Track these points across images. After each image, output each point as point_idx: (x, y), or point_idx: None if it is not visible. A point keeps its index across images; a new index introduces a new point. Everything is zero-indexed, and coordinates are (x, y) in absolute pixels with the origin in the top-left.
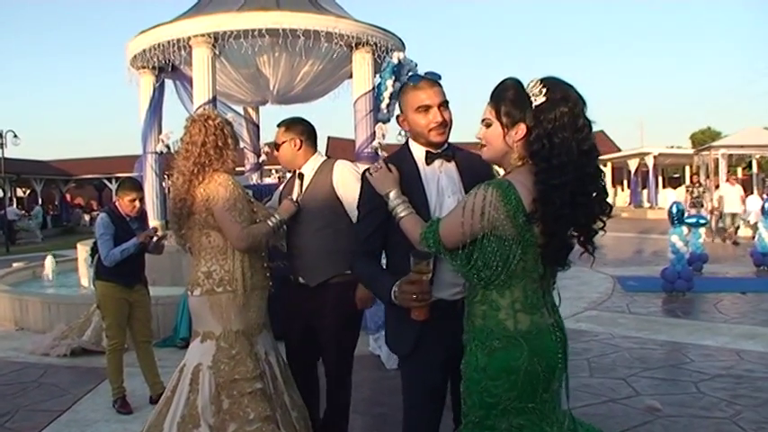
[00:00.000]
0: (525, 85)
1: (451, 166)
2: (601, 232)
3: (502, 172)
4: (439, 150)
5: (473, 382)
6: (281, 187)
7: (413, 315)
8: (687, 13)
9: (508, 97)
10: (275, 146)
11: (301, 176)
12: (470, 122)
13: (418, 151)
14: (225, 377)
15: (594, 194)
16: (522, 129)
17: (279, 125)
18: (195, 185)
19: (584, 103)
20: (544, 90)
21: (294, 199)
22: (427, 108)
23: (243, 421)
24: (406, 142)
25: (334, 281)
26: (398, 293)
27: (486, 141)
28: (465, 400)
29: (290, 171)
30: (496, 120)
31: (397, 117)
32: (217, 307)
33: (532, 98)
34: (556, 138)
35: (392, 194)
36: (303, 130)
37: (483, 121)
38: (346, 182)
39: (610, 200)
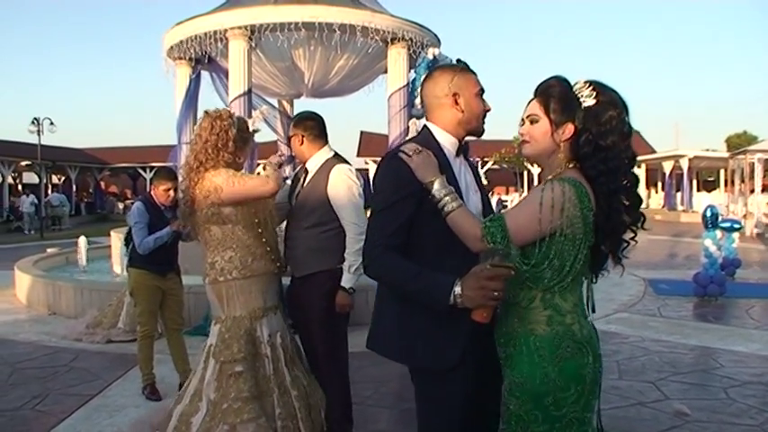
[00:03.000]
0: (572, 86)
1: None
2: (632, 242)
3: None
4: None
5: (536, 395)
6: (291, 175)
7: (477, 317)
8: (725, 15)
9: (557, 95)
10: (288, 139)
11: (306, 172)
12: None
13: (447, 141)
14: (219, 358)
15: (629, 203)
16: (570, 129)
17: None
18: (194, 184)
19: (627, 108)
20: (594, 92)
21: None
22: (482, 94)
23: (228, 399)
24: (427, 130)
25: (320, 274)
26: (470, 291)
27: (531, 138)
28: (513, 416)
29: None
30: (545, 116)
31: (454, 96)
32: (220, 294)
33: (582, 99)
34: (606, 141)
35: (438, 183)
36: (307, 125)
37: (528, 117)
38: (338, 190)
39: (643, 202)
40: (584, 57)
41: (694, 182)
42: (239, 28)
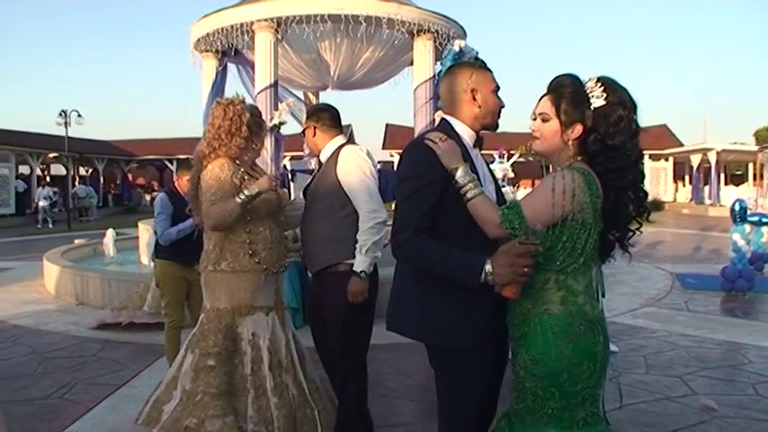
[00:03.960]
0: (583, 83)
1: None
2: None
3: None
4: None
5: (552, 372)
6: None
7: (507, 292)
8: (755, 7)
9: (568, 95)
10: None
11: (320, 164)
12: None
13: (465, 133)
14: (195, 349)
15: (635, 197)
16: (579, 129)
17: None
18: (201, 170)
19: (636, 107)
20: (604, 93)
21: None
22: (497, 91)
23: (199, 391)
24: (446, 123)
25: (337, 269)
26: (501, 268)
27: (542, 135)
28: (529, 393)
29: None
30: (555, 116)
31: (472, 92)
32: (207, 284)
33: (592, 99)
34: (614, 141)
35: (461, 170)
36: (319, 117)
37: (540, 114)
38: (347, 169)
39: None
40: (610, 48)
41: (722, 175)
42: (266, 20)
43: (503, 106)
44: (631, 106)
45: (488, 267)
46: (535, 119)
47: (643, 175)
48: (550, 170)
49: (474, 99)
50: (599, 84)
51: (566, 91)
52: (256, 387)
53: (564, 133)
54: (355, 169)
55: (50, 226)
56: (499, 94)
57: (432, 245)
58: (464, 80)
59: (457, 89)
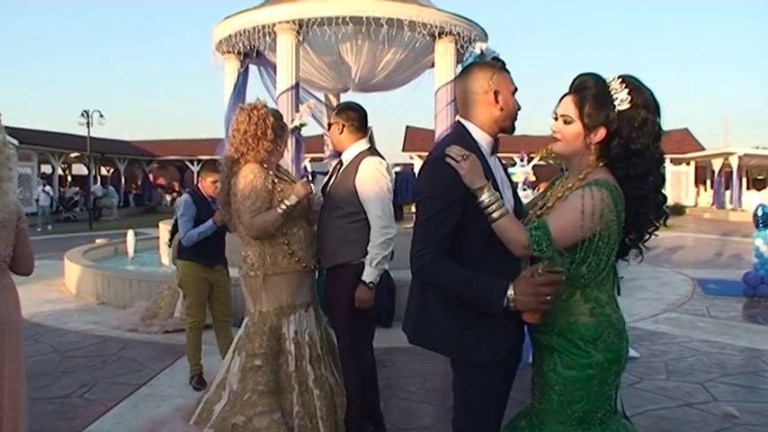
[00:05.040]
0: (607, 84)
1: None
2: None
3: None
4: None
5: (583, 378)
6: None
7: (528, 318)
8: None
9: (592, 97)
10: (328, 126)
11: (340, 164)
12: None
13: (483, 139)
14: (242, 351)
15: (654, 203)
16: (602, 133)
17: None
18: (232, 174)
19: (659, 109)
20: (628, 95)
21: (313, 183)
22: (515, 93)
23: (247, 391)
24: (462, 128)
25: (346, 266)
26: (523, 296)
27: (564, 138)
28: (555, 395)
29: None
30: (578, 119)
31: (494, 93)
32: (249, 288)
33: (617, 101)
34: (637, 145)
35: (486, 190)
36: (348, 116)
37: (562, 116)
38: (365, 181)
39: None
40: (632, 49)
41: (744, 180)
42: (287, 22)
43: (519, 109)
44: (655, 108)
45: (511, 293)
46: (557, 119)
47: (664, 179)
48: (566, 172)
49: (496, 101)
50: (623, 84)
51: (589, 92)
52: (300, 383)
53: (587, 136)
54: (373, 183)
55: (50, 227)
56: (516, 96)
57: (453, 269)
58: (485, 80)
59: (477, 90)
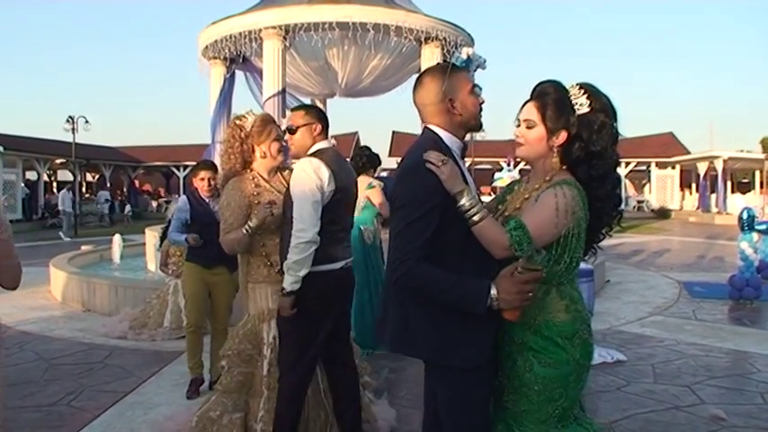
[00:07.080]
0: (566, 90)
1: None
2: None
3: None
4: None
5: (563, 375)
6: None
7: (509, 316)
8: (761, 14)
9: (553, 102)
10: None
11: None
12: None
13: (453, 143)
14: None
15: (613, 204)
16: (563, 136)
17: (293, 109)
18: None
19: (616, 114)
20: (587, 100)
21: (268, 202)
22: (473, 89)
23: (218, 389)
24: (432, 133)
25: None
26: (507, 294)
27: (527, 141)
28: (534, 395)
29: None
30: (541, 123)
31: (449, 101)
32: (243, 295)
33: (576, 106)
34: (597, 147)
35: (466, 194)
36: (321, 116)
37: (524, 121)
38: (294, 181)
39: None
40: (619, 55)
41: (729, 183)
42: (273, 28)
43: (482, 103)
44: (612, 113)
45: (494, 292)
46: (519, 125)
47: (620, 182)
48: (525, 177)
49: (453, 107)
50: (582, 90)
51: (550, 98)
52: (270, 389)
53: (549, 140)
54: (295, 184)
55: (68, 237)
56: (476, 90)
57: (435, 273)
58: (437, 90)
59: (433, 100)
